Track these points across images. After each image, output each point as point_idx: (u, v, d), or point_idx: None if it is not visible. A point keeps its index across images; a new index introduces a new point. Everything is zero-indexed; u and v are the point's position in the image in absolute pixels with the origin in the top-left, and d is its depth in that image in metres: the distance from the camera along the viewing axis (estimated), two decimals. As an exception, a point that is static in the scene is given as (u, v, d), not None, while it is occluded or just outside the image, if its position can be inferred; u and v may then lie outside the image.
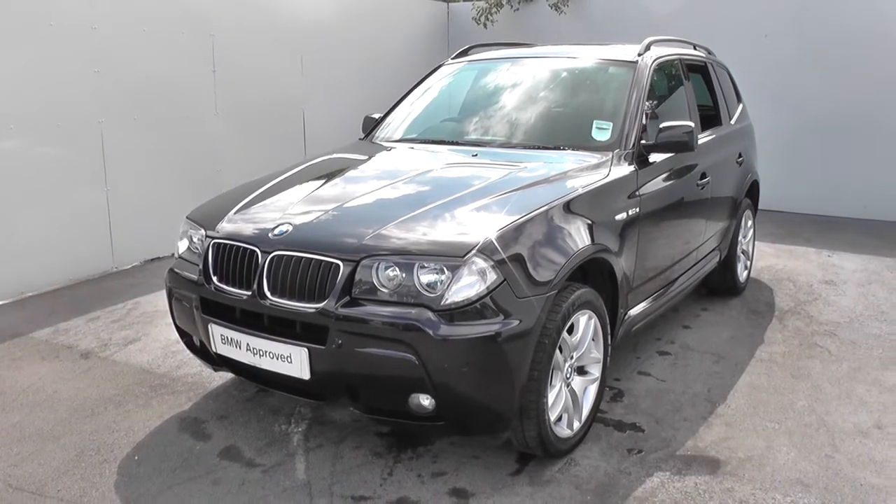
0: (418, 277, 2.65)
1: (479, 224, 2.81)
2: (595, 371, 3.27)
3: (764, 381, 3.91)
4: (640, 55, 4.06)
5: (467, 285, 2.62)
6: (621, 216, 3.36)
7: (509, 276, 2.68)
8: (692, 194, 4.14)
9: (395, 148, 4.08)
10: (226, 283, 3.00)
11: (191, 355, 3.74)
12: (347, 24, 8.14)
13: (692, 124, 3.65)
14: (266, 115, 7.24)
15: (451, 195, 3.05)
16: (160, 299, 5.26)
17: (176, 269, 3.33)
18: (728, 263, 5.00)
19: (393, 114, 4.52)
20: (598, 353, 3.26)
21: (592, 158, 3.51)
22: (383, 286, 2.68)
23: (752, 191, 5.38)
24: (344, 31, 8.09)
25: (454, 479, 2.96)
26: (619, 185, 3.40)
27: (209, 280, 3.05)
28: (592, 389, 3.27)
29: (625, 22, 8.68)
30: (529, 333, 2.72)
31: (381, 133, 4.39)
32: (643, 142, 3.68)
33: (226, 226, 3.13)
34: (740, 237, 5.15)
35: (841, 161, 7.80)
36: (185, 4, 6.28)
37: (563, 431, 3.06)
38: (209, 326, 3.03)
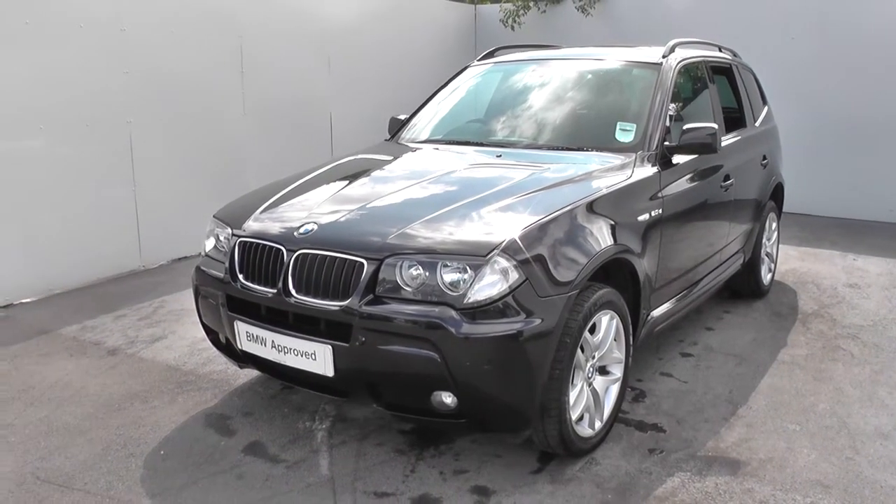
0: (441, 276, 2.68)
1: (502, 224, 2.84)
2: (617, 371, 3.28)
3: (786, 383, 3.89)
4: (664, 57, 4.06)
5: (489, 284, 2.64)
6: (644, 217, 3.37)
7: (532, 275, 2.70)
8: (716, 196, 4.13)
9: (420, 148, 4.12)
10: (251, 281, 3.05)
11: (216, 353, 3.81)
12: (374, 25, 8.19)
13: (715, 126, 3.65)
14: (294, 115, 7.33)
15: (474, 195, 3.08)
16: (187, 298, 5.34)
17: (202, 267, 3.38)
18: (752, 266, 4.98)
19: (419, 115, 4.55)
20: (619, 354, 3.26)
21: (616, 159, 3.52)
22: (406, 284, 2.71)
23: (777, 193, 5.35)
24: (371, 32, 8.15)
25: (476, 476, 2.99)
26: (641, 187, 3.41)
27: (235, 278, 3.10)
28: (614, 389, 3.28)
29: (650, 23, 8.66)
30: (551, 332, 2.74)
31: (407, 134, 4.43)
32: (666, 143, 3.68)
33: (252, 224, 3.18)
34: (764, 239, 5.13)
35: (866, 164, 7.73)
36: (213, 5, 6.37)
37: (585, 431, 3.08)
38: (235, 324, 3.08)
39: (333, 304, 2.77)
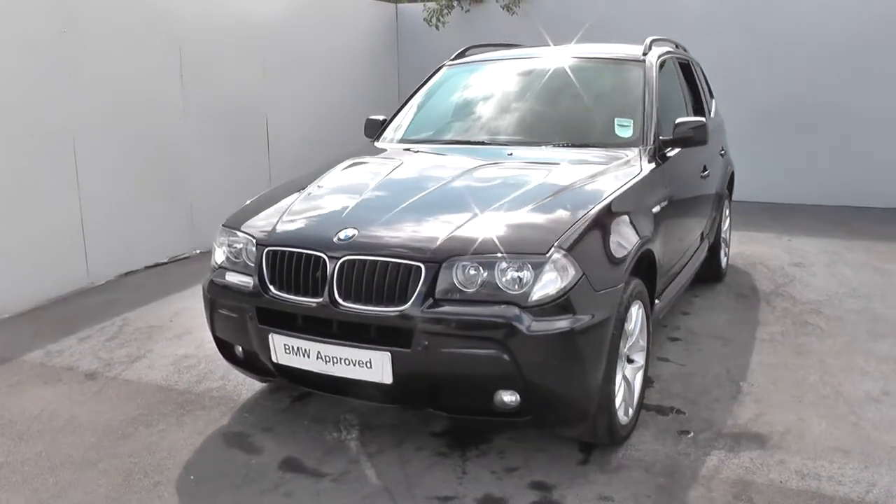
0: (502, 275, 2.69)
1: (550, 221, 2.87)
2: (640, 359, 3.39)
3: (773, 359, 4.14)
4: (645, 54, 4.21)
5: (551, 281, 2.67)
6: (656, 209, 3.49)
7: (587, 270, 2.75)
8: (699, 186, 4.34)
9: (423, 149, 4.08)
10: (286, 291, 2.94)
11: (207, 369, 3.74)
12: (299, 25, 8.00)
13: (704, 119, 3.83)
14: (230, 119, 7.06)
15: (510, 194, 3.09)
16: (149, 314, 5.08)
17: (217, 280, 3.23)
18: (714, 251, 5.25)
19: (403, 116, 4.51)
20: (643, 342, 3.38)
21: (623, 155, 3.63)
22: (466, 286, 2.70)
23: (731, 181, 5.67)
24: (297, 33, 7.96)
25: (528, 472, 3.01)
26: (652, 180, 3.54)
27: (266, 289, 2.98)
28: (639, 377, 3.38)
29: (575, 22, 8.79)
30: (607, 325, 2.80)
31: (396, 134, 4.37)
32: (662, 137, 3.82)
33: (279, 233, 3.07)
34: (723, 225, 5.42)
35: (789, 152, 8.31)
36: (150, 6, 6.05)
37: (623, 419, 3.16)
38: (269, 337, 2.96)
39: (391, 311, 2.71)
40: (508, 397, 2.75)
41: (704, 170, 4.43)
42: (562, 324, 2.66)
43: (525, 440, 3.25)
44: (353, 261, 2.80)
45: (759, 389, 3.76)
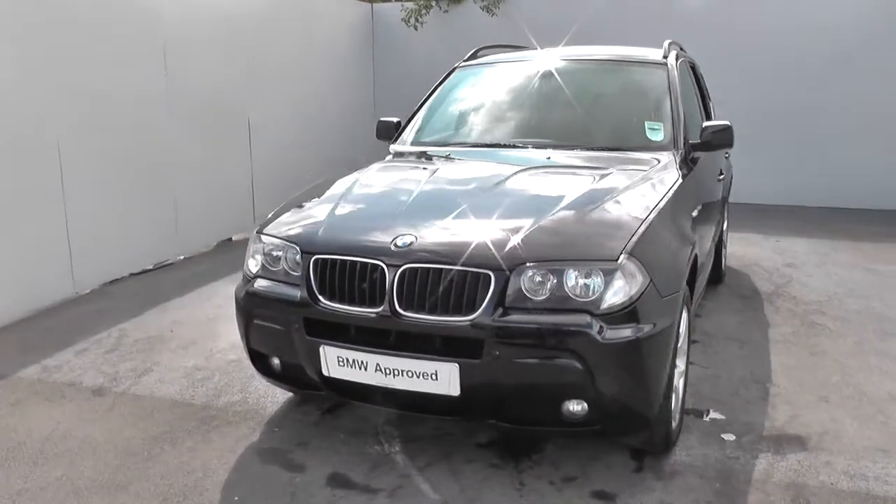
0: (572, 283, 2.63)
1: (614, 226, 2.84)
2: (682, 364, 3.38)
3: (791, 360, 4.19)
4: (665, 56, 4.22)
5: (621, 287, 2.63)
6: (694, 213, 3.49)
7: (654, 276, 2.72)
8: (717, 189, 4.38)
9: (456, 152, 3.98)
10: (339, 302, 2.82)
11: (224, 382, 3.69)
12: (275, 26, 7.77)
13: (729, 122, 3.85)
14: (215, 121, 6.83)
15: (564, 199, 3.04)
16: (146, 324, 4.86)
17: (254, 290, 3.09)
18: (717, 252, 5.31)
19: (422, 118, 4.40)
20: (685, 347, 3.37)
21: (658, 159, 3.62)
22: (534, 294, 2.64)
23: (730, 183, 5.75)
24: (273, 33, 7.74)
25: (586, 482, 2.96)
26: (688, 184, 3.54)
27: (316, 299, 2.86)
28: (681, 382, 3.37)
29: (555, 23, 8.80)
30: (671, 331, 2.78)
31: (418, 136, 4.26)
32: (691, 141, 3.83)
33: (328, 241, 2.94)
34: (723, 227, 5.49)
35: (768, 154, 8.50)
36: (136, 4, 5.80)
37: (672, 424, 3.15)
38: (320, 349, 2.84)
39: (459, 320, 2.63)
40: (576, 407, 2.70)
41: (721, 173, 4.47)
42: (633, 331, 2.62)
43: (576, 449, 3.20)
44: (416, 269, 2.71)
45: (786, 391, 3.80)
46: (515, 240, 2.73)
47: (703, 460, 3.13)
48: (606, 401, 2.66)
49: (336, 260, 2.85)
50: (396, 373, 2.71)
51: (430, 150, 4.10)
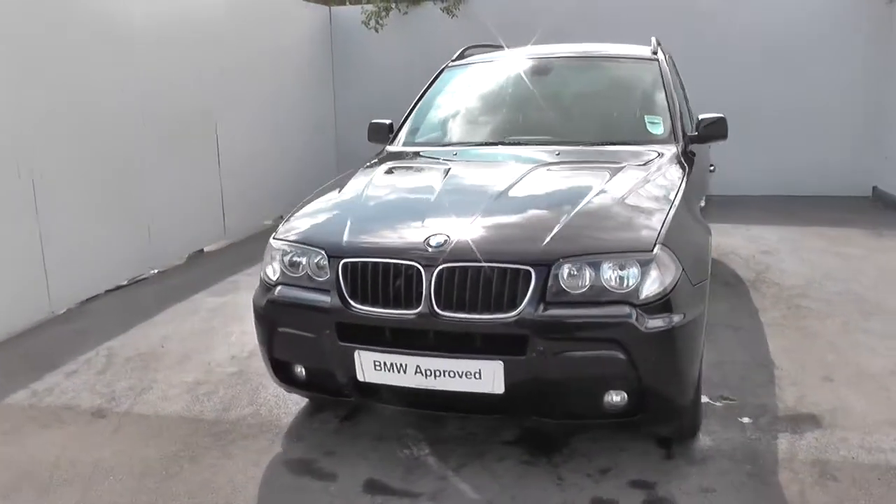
0: (608, 275, 2.66)
1: (643, 218, 2.88)
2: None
3: (787, 343, 4.32)
4: (654, 52, 4.30)
5: (657, 277, 2.67)
6: (702, 203, 3.57)
7: (685, 265, 2.77)
8: (708, 181, 4.48)
9: (464, 151, 3.95)
10: (372, 305, 2.79)
11: (230, 395, 3.68)
12: (239, 30, 7.61)
13: (722, 114, 3.95)
14: (184, 129, 6.65)
15: (587, 193, 3.06)
16: (134, 341, 4.70)
17: (277, 298, 3.02)
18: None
19: (418, 118, 4.38)
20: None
21: (664, 152, 3.68)
22: (573, 287, 2.65)
23: (707, 174, 5.91)
24: (238, 38, 7.56)
25: (621, 472, 2.99)
26: (695, 175, 3.61)
27: (348, 304, 2.81)
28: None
29: (515, 24, 8.86)
30: (702, 318, 2.84)
31: (417, 137, 4.24)
32: (689, 134, 3.91)
33: (355, 244, 2.90)
34: (703, 217, 5.62)
35: (731, 146, 8.72)
36: (103, 7, 5.61)
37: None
38: (356, 354, 2.79)
39: (502, 317, 2.62)
40: (616, 398, 2.72)
41: (711, 165, 4.58)
42: (670, 320, 2.66)
43: (602, 441, 3.22)
44: (453, 268, 2.69)
45: (789, 373, 3.91)
46: (551, 234, 2.74)
47: (728, 444, 3.20)
48: (646, 390, 2.69)
49: (367, 263, 2.81)
50: (438, 373, 2.69)
51: (433, 149, 4.08)
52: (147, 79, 6.09)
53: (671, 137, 3.82)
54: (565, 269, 2.65)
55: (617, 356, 2.60)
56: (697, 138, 3.92)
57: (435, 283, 2.69)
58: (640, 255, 2.67)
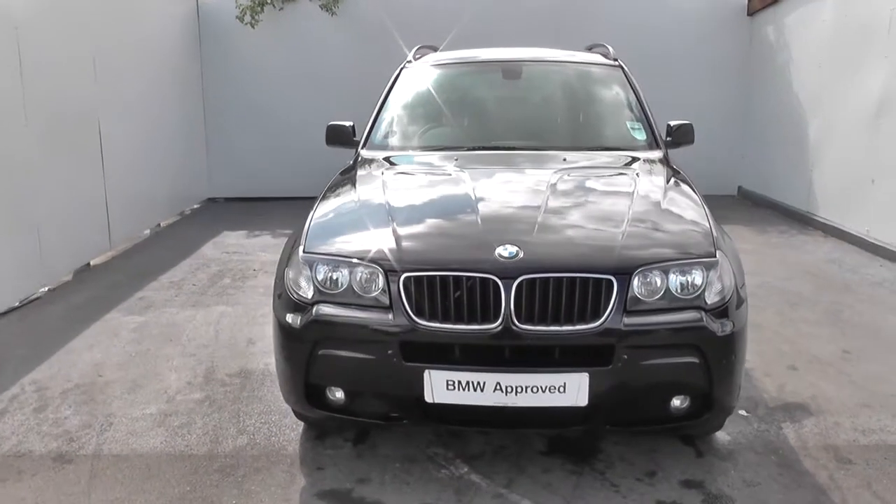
0: (678, 281, 2.68)
1: (692, 224, 2.95)
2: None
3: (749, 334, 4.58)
4: (616, 59, 4.41)
5: (718, 280, 2.74)
6: (696, 206, 3.71)
7: (734, 267, 2.87)
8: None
9: (466, 156, 3.78)
10: (441, 321, 2.62)
11: (211, 426, 3.30)
12: (106, 20, 6.75)
13: (689, 121, 4.14)
14: (64, 126, 5.89)
15: (628, 200, 3.06)
16: (61, 372, 4.15)
17: (324, 318, 2.74)
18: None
19: (390, 120, 4.16)
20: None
21: (654, 156, 3.77)
22: (649, 295, 2.65)
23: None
24: (105, 27, 6.71)
25: (669, 474, 3.03)
26: (685, 179, 3.73)
27: (412, 321, 2.63)
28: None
29: (394, 23, 8.81)
30: (747, 322, 2.93)
31: (395, 141, 4.04)
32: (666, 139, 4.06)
33: (419, 257, 2.71)
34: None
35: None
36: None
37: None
38: (426, 374, 2.62)
39: (587, 328, 2.56)
40: (680, 402, 2.76)
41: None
42: (733, 322, 2.74)
43: (630, 445, 3.24)
44: (533, 280, 2.59)
45: (757, 366, 4.14)
46: (620, 243, 2.73)
47: (744, 437, 3.35)
48: (711, 393, 2.75)
49: (434, 276, 2.63)
50: (519, 390, 2.57)
51: (426, 154, 3.90)
52: (34, 75, 5.35)
53: (654, 143, 3.94)
54: (643, 278, 2.64)
55: (694, 361, 2.63)
56: (671, 143, 4.07)
57: (515, 295, 2.58)
58: (705, 260, 2.72)
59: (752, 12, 9.32)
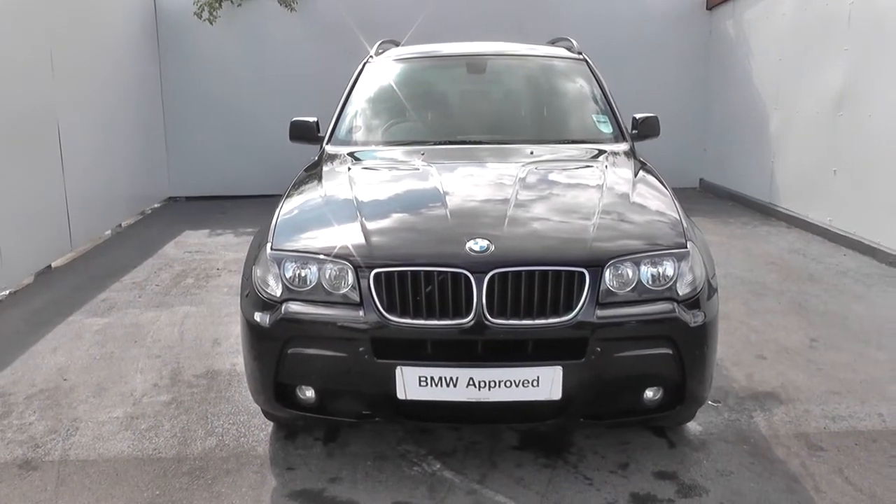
0: (649, 273, 2.68)
1: (661, 215, 2.94)
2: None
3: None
4: (580, 52, 4.40)
5: (689, 271, 2.74)
6: (665, 198, 3.72)
7: (704, 258, 2.88)
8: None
9: (433, 150, 3.75)
10: (413, 317, 2.59)
11: (179, 427, 3.33)
12: (59, 12, 6.54)
13: (655, 113, 4.15)
14: (21, 124, 5.74)
15: (597, 193, 3.05)
16: (25, 377, 4.05)
17: (294, 316, 2.70)
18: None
19: (355, 115, 4.11)
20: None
21: (621, 149, 3.77)
22: (621, 287, 2.65)
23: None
24: (60, 20, 6.52)
25: (641, 466, 3.03)
26: (653, 171, 3.73)
27: (384, 317, 2.59)
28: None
29: (354, 20, 8.69)
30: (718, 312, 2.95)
31: (360, 136, 4.00)
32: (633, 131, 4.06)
33: (389, 252, 2.67)
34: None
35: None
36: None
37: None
38: (397, 371, 2.59)
39: (560, 321, 2.55)
40: (653, 393, 2.77)
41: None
42: (705, 313, 2.74)
43: (601, 437, 3.24)
44: (505, 273, 2.57)
45: (727, 354, 4.18)
46: (591, 235, 2.72)
47: (715, 428, 3.37)
48: (683, 384, 2.75)
49: (405, 272, 2.60)
50: (492, 384, 2.56)
51: (391, 149, 3.86)
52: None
53: (620, 136, 3.94)
54: (615, 270, 2.64)
55: (667, 353, 2.64)
56: (637, 136, 4.08)
57: (487, 289, 2.56)
58: (676, 251, 2.73)
59: (710, 7, 9.43)
